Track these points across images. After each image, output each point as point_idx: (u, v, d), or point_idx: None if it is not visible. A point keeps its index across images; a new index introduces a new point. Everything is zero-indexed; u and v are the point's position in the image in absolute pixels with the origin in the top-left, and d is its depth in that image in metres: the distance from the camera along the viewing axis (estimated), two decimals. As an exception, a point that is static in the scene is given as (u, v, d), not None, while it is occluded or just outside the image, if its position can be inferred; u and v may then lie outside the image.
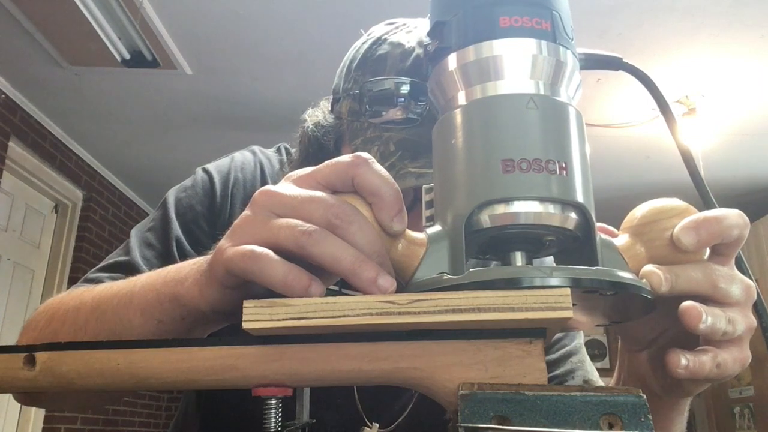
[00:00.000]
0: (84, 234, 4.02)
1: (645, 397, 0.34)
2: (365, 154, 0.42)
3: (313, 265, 0.39)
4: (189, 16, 2.68)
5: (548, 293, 0.36)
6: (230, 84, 3.19)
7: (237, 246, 0.40)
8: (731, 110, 3.40)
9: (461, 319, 0.36)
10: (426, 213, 0.44)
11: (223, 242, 0.42)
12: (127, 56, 2.81)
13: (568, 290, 0.36)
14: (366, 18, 0.79)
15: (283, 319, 0.37)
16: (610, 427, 0.34)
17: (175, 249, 0.77)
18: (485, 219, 0.40)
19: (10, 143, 3.31)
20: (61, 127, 3.69)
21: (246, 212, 0.42)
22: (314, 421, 0.54)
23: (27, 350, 0.41)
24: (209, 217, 0.80)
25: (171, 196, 0.83)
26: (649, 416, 0.34)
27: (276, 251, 0.39)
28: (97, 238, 4.15)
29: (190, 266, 0.49)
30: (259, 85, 3.20)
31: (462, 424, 0.34)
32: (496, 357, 0.37)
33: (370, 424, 0.77)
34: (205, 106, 3.41)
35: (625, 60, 0.51)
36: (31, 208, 3.74)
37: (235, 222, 0.43)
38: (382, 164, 0.68)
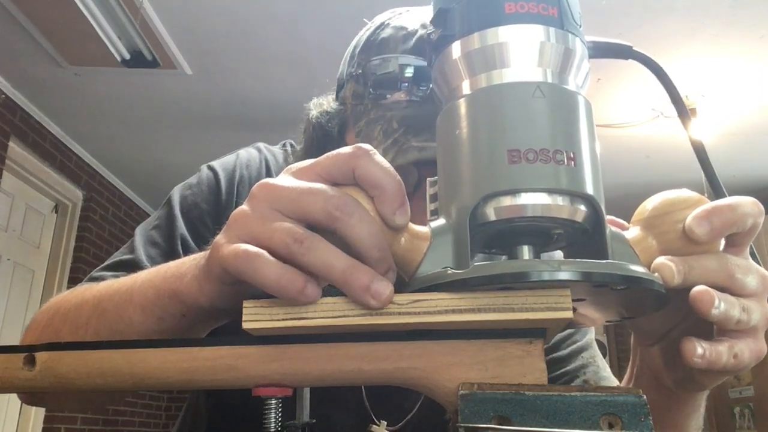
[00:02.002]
0: (84, 234, 4.02)
1: (645, 397, 0.34)
2: (366, 146, 0.40)
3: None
4: (189, 16, 2.68)
5: (548, 293, 0.35)
6: (230, 84, 3.19)
7: (232, 243, 0.39)
8: (731, 110, 3.40)
9: (461, 319, 0.36)
10: (430, 206, 0.42)
11: (220, 238, 0.41)
12: (127, 56, 2.81)
13: (568, 291, 0.35)
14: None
15: (283, 319, 0.37)
16: (610, 427, 0.34)
17: (180, 247, 0.77)
18: (491, 212, 0.38)
19: (10, 143, 3.31)
20: (61, 127, 3.69)
21: (243, 206, 0.41)
22: (314, 421, 0.54)
23: (27, 350, 0.41)
24: (214, 215, 0.79)
25: (176, 193, 0.82)
26: (650, 416, 0.34)
27: (270, 252, 0.38)
28: (97, 238, 4.15)
29: (190, 262, 0.48)
30: (259, 85, 3.20)
31: (462, 424, 0.34)
32: (496, 357, 0.37)
33: (378, 422, 0.76)
34: (205, 106, 3.41)
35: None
36: (31, 208, 3.73)
37: (232, 215, 0.41)
38: (385, 141, 0.66)
